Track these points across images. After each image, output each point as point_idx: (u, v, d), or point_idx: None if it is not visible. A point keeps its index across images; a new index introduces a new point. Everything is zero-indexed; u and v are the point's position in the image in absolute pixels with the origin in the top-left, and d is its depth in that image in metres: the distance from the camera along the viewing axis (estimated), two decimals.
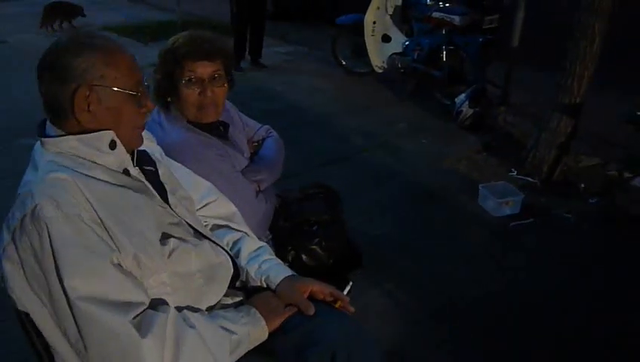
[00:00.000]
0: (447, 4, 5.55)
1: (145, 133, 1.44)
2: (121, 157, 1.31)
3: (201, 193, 1.66)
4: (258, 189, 2.01)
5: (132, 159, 1.36)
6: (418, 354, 2.50)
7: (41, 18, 8.82)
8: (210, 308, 1.43)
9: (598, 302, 2.84)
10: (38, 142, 1.30)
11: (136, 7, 11.55)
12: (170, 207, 1.41)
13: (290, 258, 1.99)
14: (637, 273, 3.08)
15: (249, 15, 6.75)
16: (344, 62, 6.76)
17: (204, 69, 1.83)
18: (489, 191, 3.71)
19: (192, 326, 1.26)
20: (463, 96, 5.05)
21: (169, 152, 1.68)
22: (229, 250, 1.58)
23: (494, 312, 2.76)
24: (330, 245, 2.05)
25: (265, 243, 1.71)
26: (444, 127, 5.13)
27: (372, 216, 3.60)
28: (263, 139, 2.24)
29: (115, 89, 1.27)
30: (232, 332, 1.34)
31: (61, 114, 1.26)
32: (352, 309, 1.55)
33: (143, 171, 1.39)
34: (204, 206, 1.65)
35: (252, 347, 1.39)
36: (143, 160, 1.43)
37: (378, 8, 6.11)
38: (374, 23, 6.13)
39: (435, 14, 5.53)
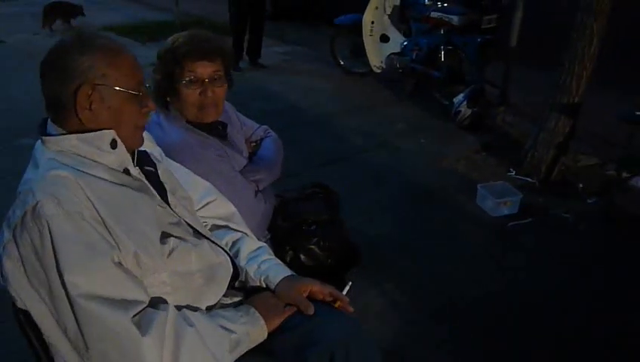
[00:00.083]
0: (446, 4, 5.54)
1: (144, 134, 1.44)
2: (121, 156, 1.32)
3: (201, 193, 1.66)
4: (257, 189, 2.01)
5: (132, 159, 1.36)
6: (418, 354, 2.49)
7: (42, 18, 8.83)
8: (209, 308, 1.44)
9: (597, 302, 2.84)
10: (39, 140, 1.30)
11: (134, 7, 11.54)
12: (169, 206, 1.42)
13: (288, 258, 1.99)
14: (636, 273, 3.09)
15: (248, 15, 6.75)
16: (342, 63, 6.76)
17: (205, 69, 1.83)
18: (487, 191, 3.72)
19: (191, 325, 1.26)
20: (461, 96, 5.05)
21: (168, 152, 1.68)
22: (228, 250, 1.58)
23: (494, 312, 2.77)
24: (329, 245, 2.05)
25: (264, 244, 1.71)
26: (442, 127, 5.14)
27: (371, 216, 3.60)
28: (262, 140, 2.24)
29: (117, 88, 1.28)
30: (232, 332, 1.34)
31: (63, 112, 1.27)
32: (351, 309, 1.55)
33: (143, 171, 1.40)
34: (203, 206, 1.65)
35: (252, 346, 1.39)
36: (143, 160, 1.44)
37: (376, 8, 6.10)
38: (373, 22, 6.13)
39: (434, 14, 5.52)
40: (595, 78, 3.97)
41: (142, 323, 1.17)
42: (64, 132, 1.28)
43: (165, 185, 1.46)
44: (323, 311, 1.49)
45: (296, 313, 1.49)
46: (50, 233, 1.13)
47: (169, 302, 1.29)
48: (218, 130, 1.99)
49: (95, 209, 1.20)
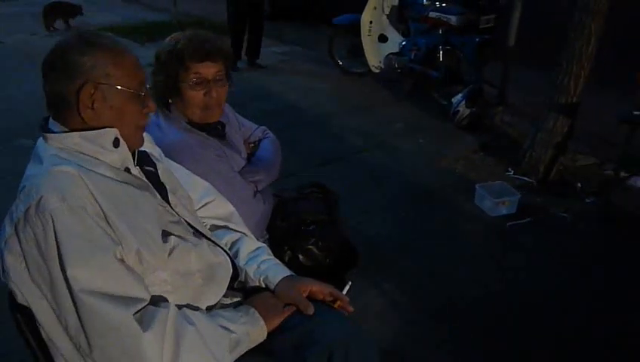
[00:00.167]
0: (444, 4, 5.55)
1: (144, 135, 1.44)
2: (123, 155, 1.33)
3: (200, 193, 1.66)
4: (256, 190, 2.01)
5: (133, 159, 1.37)
6: (417, 354, 2.50)
7: (42, 19, 8.84)
8: (209, 308, 1.44)
9: (596, 302, 2.85)
10: (41, 137, 1.30)
11: (132, 8, 11.54)
12: (170, 206, 1.42)
13: (286, 258, 1.99)
14: (635, 272, 3.09)
15: (247, 15, 6.74)
16: (341, 63, 6.77)
17: (209, 69, 1.83)
18: (486, 190, 3.72)
19: (192, 324, 1.26)
20: (459, 96, 5.06)
21: (168, 153, 1.68)
22: (227, 250, 1.58)
23: (493, 312, 2.77)
24: (327, 245, 2.04)
25: (263, 244, 1.71)
26: (441, 127, 5.14)
27: (369, 216, 3.60)
28: (260, 140, 2.24)
29: (120, 88, 1.28)
30: (231, 332, 1.35)
31: (65, 111, 1.27)
32: (351, 309, 1.55)
33: (143, 171, 1.41)
34: (202, 206, 1.66)
35: (251, 346, 1.39)
36: (143, 160, 1.44)
37: (375, 8, 6.11)
38: (371, 22, 6.13)
39: (432, 14, 5.53)
40: (593, 77, 3.98)
41: (143, 320, 1.18)
42: (66, 130, 1.28)
43: (165, 185, 1.47)
44: (322, 311, 1.49)
45: (296, 313, 1.49)
46: (53, 227, 1.14)
47: (170, 301, 1.29)
48: (217, 131, 1.99)
49: (98, 204, 1.20)
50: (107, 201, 1.22)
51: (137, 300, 1.19)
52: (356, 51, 6.37)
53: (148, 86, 1.37)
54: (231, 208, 1.71)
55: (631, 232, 3.47)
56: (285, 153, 2.25)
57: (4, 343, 1.38)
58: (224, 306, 1.48)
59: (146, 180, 1.38)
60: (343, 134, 5.00)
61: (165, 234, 1.34)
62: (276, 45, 8.15)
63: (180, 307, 1.31)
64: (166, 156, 1.65)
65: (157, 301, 1.25)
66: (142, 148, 1.44)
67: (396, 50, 6.12)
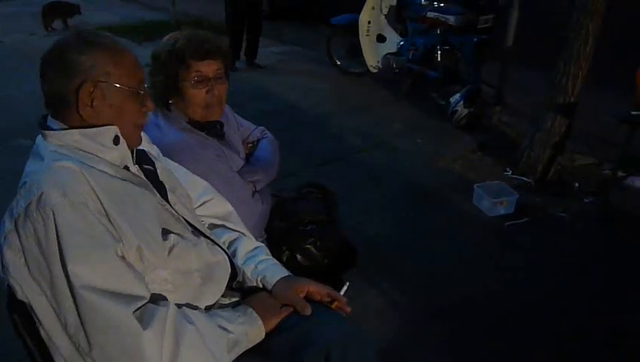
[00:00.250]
0: (442, 4, 5.55)
1: (142, 134, 1.45)
2: (123, 153, 1.33)
3: (198, 192, 1.66)
4: (254, 190, 2.01)
5: (131, 158, 1.37)
6: (416, 354, 2.50)
7: (41, 18, 8.84)
8: (208, 308, 1.44)
9: (595, 302, 2.85)
10: (40, 135, 1.31)
11: (130, 7, 11.53)
12: (169, 204, 1.42)
13: (284, 258, 1.99)
14: (633, 272, 3.09)
15: (245, 15, 6.74)
16: (339, 63, 6.77)
17: (209, 67, 1.84)
18: (484, 190, 3.72)
19: (191, 323, 1.26)
20: (457, 96, 5.06)
21: (167, 153, 1.68)
22: (226, 250, 1.58)
23: (492, 312, 2.77)
24: (325, 245, 2.04)
25: (261, 244, 1.71)
26: (439, 127, 5.14)
27: (368, 216, 3.60)
28: (258, 141, 2.24)
29: (119, 86, 1.29)
30: (230, 332, 1.35)
31: (64, 109, 1.28)
32: (348, 310, 1.55)
33: (142, 170, 1.41)
34: (200, 205, 1.66)
35: (249, 346, 1.39)
36: (142, 159, 1.45)
37: (373, 8, 6.11)
38: (369, 22, 6.13)
39: (430, 14, 5.53)
40: (591, 77, 3.98)
41: (143, 318, 1.18)
42: (65, 127, 1.29)
43: (165, 184, 1.47)
44: (320, 312, 1.50)
45: (293, 313, 1.49)
46: (54, 223, 1.14)
47: (169, 300, 1.29)
48: (216, 130, 2.00)
49: (99, 201, 1.20)
50: (108, 198, 1.22)
51: (137, 298, 1.19)
52: (354, 51, 6.37)
53: (146, 85, 1.37)
54: (229, 207, 1.71)
55: (629, 232, 3.47)
56: (284, 153, 2.26)
57: (3, 343, 1.37)
58: (222, 306, 1.48)
59: (145, 178, 1.39)
60: (341, 134, 5.00)
61: (165, 233, 1.34)
62: (275, 45, 8.15)
63: (179, 306, 1.31)
64: (165, 156, 1.65)
65: (156, 299, 1.25)
66: (140, 147, 1.44)
67: (394, 50, 6.12)
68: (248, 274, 1.60)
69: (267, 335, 1.43)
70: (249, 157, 2.15)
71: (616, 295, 2.91)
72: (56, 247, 1.14)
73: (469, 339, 2.60)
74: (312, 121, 5.31)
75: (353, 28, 6.17)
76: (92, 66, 1.25)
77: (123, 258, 1.20)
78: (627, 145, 3.45)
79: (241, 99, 5.30)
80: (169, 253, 1.32)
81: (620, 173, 3.80)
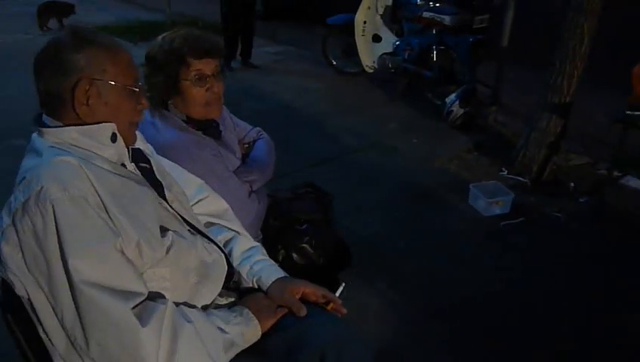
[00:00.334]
0: (438, 4, 5.57)
1: (137, 133, 1.45)
2: (120, 150, 1.33)
3: (193, 190, 1.66)
4: (250, 190, 2.01)
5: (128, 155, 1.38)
6: (414, 354, 2.50)
7: (36, 18, 8.82)
8: (204, 308, 1.44)
9: (594, 302, 2.86)
10: (35, 133, 1.30)
11: (126, 7, 11.52)
12: (167, 202, 1.42)
13: (280, 257, 1.99)
14: (629, 271, 3.10)
15: (241, 15, 6.74)
16: (335, 63, 6.77)
17: (208, 65, 1.85)
18: (480, 190, 3.73)
19: (189, 321, 1.26)
20: (453, 96, 5.06)
21: (163, 152, 1.68)
22: (222, 248, 1.58)
23: (489, 311, 2.77)
24: (321, 244, 2.05)
25: (258, 243, 1.70)
26: (435, 127, 5.15)
27: (364, 216, 3.60)
28: (254, 141, 2.24)
29: (115, 84, 1.29)
30: (226, 332, 1.35)
31: (60, 107, 1.27)
32: (344, 311, 1.55)
33: (138, 168, 1.41)
34: (195, 203, 1.65)
35: (245, 347, 1.39)
36: (138, 157, 1.45)
37: (369, 8, 6.11)
38: (365, 22, 6.14)
39: (426, 14, 5.54)
40: (586, 77, 3.99)
41: (141, 315, 1.18)
42: (61, 124, 1.28)
43: (162, 182, 1.47)
44: (315, 313, 1.49)
45: (289, 314, 1.49)
46: (54, 217, 1.13)
47: (167, 298, 1.29)
48: (213, 130, 2.00)
49: (99, 196, 1.20)
50: (107, 193, 1.21)
51: (136, 294, 1.19)
52: (350, 51, 6.38)
53: (140, 83, 1.37)
54: (225, 205, 1.71)
55: (624, 232, 3.48)
56: (279, 153, 2.25)
57: (2, 343, 1.37)
58: (219, 306, 1.48)
59: (142, 176, 1.39)
60: (336, 134, 5.00)
61: (163, 230, 1.34)
62: (270, 45, 8.15)
63: (176, 304, 1.31)
64: (161, 154, 1.65)
65: (154, 297, 1.25)
66: (135, 146, 1.44)
67: (390, 50, 6.12)
68: (244, 274, 1.60)
69: (263, 335, 1.43)
70: (245, 158, 2.15)
71: (613, 295, 2.92)
72: (56, 242, 1.13)
73: (468, 339, 2.60)
74: (308, 121, 5.31)
75: (349, 28, 6.17)
76: (88, 64, 1.25)
77: (122, 253, 1.20)
78: (622, 145, 3.46)
79: (237, 99, 5.29)
80: (168, 250, 1.32)
81: (615, 173, 3.81)
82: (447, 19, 5.33)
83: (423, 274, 3.05)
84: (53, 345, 1.23)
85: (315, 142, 4.81)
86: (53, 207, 1.13)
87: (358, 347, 1.45)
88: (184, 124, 1.91)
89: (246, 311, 1.44)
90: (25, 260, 1.17)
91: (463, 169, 4.35)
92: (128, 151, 1.38)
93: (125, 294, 1.17)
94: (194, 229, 1.48)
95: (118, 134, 1.31)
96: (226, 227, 1.68)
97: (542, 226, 3.58)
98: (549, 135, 4.07)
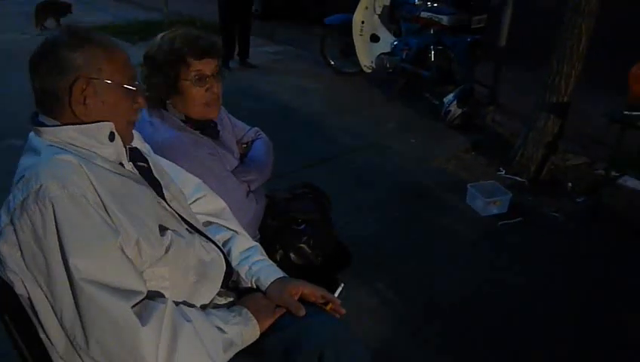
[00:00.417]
0: (435, 4, 5.57)
1: (134, 132, 1.45)
2: (118, 149, 1.33)
3: (190, 189, 1.66)
4: (248, 189, 2.01)
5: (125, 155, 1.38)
6: (409, 354, 2.50)
7: (34, 18, 8.80)
8: (203, 307, 1.44)
9: (592, 301, 2.86)
10: (32, 132, 1.30)
11: (124, 7, 11.49)
12: (165, 201, 1.43)
13: (278, 257, 1.99)
14: (626, 271, 3.11)
15: (239, 15, 6.74)
16: (333, 62, 6.77)
17: (209, 65, 1.85)
18: (477, 190, 3.73)
19: (188, 320, 1.27)
20: (451, 95, 5.07)
21: (161, 151, 1.68)
22: (221, 247, 1.58)
23: (486, 311, 2.78)
24: (319, 244, 2.05)
25: (256, 243, 1.71)
26: (432, 127, 5.15)
27: (362, 216, 3.60)
28: (252, 141, 2.24)
29: (112, 83, 1.29)
30: (224, 332, 1.35)
31: (56, 106, 1.27)
32: (343, 311, 1.55)
33: (136, 167, 1.41)
34: (193, 202, 1.66)
35: (244, 346, 1.39)
36: (135, 156, 1.45)
37: (366, 8, 6.11)
38: (363, 22, 6.14)
39: (424, 14, 5.55)
40: (584, 77, 4.00)
41: (141, 314, 1.18)
42: (58, 123, 1.28)
43: (160, 181, 1.47)
44: (313, 312, 1.50)
45: (287, 313, 1.49)
46: (54, 215, 1.13)
47: (166, 297, 1.29)
48: (211, 130, 2.00)
49: (98, 194, 1.20)
50: (107, 191, 1.22)
51: (136, 293, 1.19)
52: (348, 51, 6.38)
53: (136, 82, 1.37)
54: (222, 204, 1.71)
55: (622, 231, 3.49)
56: (277, 153, 2.25)
57: (1, 344, 1.37)
58: (217, 306, 1.48)
59: (140, 176, 1.39)
60: (334, 134, 5.00)
61: (162, 229, 1.34)
62: (268, 45, 8.14)
63: (176, 304, 1.31)
64: (159, 154, 1.65)
65: (153, 296, 1.25)
66: (132, 145, 1.44)
67: (388, 50, 6.13)
68: (243, 274, 1.60)
69: (261, 335, 1.43)
70: (243, 158, 2.15)
71: (611, 294, 2.92)
72: (55, 240, 1.13)
73: (461, 339, 2.60)
74: (306, 121, 5.31)
75: (347, 28, 6.17)
76: (85, 63, 1.25)
77: (122, 252, 1.20)
78: (619, 145, 3.46)
79: (235, 99, 5.27)
80: (167, 250, 1.32)
81: (612, 173, 3.82)
82: (444, 20, 5.34)
83: (421, 273, 3.05)
84: (52, 344, 1.23)
85: (313, 142, 4.81)
86: (52, 205, 1.13)
87: (356, 347, 1.45)
88: (182, 124, 1.91)
89: (245, 310, 1.44)
90: (24, 259, 1.17)
91: (460, 169, 4.35)
92: (126, 151, 1.38)
93: (125, 293, 1.17)
94: (192, 228, 1.48)
95: (116, 133, 1.31)
96: (224, 226, 1.68)
97: (539, 226, 3.58)
98: (547, 135, 4.08)
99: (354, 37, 6.14)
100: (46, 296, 1.18)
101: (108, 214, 1.20)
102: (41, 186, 1.15)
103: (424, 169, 4.35)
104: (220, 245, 1.61)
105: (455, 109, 4.98)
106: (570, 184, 4.03)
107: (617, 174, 3.89)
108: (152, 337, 1.17)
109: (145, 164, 1.46)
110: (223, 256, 1.53)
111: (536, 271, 3.11)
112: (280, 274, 1.60)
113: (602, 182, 3.77)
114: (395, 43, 6.06)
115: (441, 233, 3.48)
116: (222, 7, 6.76)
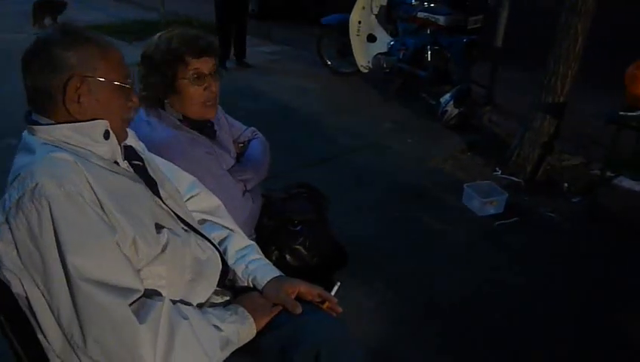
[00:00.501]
0: (432, 5, 5.58)
1: (128, 131, 1.45)
2: (113, 147, 1.33)
3: (185, 187, 1.66)
4: (245, 189, 2.01)
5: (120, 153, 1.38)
6: (406, 354, 2.50)
7: (31, 16, 8.77)
8: (200, 306, 1.44)
9: (589, 301, 2.87)
10: (26, 131, 1.30)
11: (120, 6, 11.46)
12: (161, 199, 1.42)
13: (273, 258, 1.99)
14: (622, 271, 3.12)
15: (235, 15, 6.74)
16: (329, 62, 6.76)
17: (206, 64, 1.85)
18: (474, 190, 3.74)
19: (185, 318, 1.27)
20: (447, 96, 5.07)
21: (157, 149, 1.68)
22: (217, 245, 1.58)
23: (482, 311, 2.78)
24: (315, 245, 2.05)
25: (252, 242, 1.70)
26: (429, 127, 5.15)
27: (358, 216, 3.60)
28: (249, 141, 2.24)
29: (106, 81, 1.29)
30: (221, 330, 1.35)
31: (50, 104, 1.27)
32: (339, 310, 1.55)
33: (131, 165, 1.41)
34: (187, 199, 1.65)
35: (241, 345, 1.40)
36: (130, 155, 1.45)
37: (363, 8, 6.11)
38: (359, 22, 6.13)
39: (420, 14, 5.55)
40: (580, 78, 4.01)
41: (139, 312, 1.18)
42: (52, 122, 1.28)
43: (155, 179, 1.47)
44: (310, 311, 1.50)
45: (283, 312, 1.49)
46: (50, 213, 1.13)
47: (164, 295, 1.29)
48: (208, 129, 2.00)
49: (94, 192, 1.20)
50: (103, 189, 1.21)
51: (133, 291, 1.19)
52: (345, 51, 6.38)
53: (130, 79, 1.36)
54: (217, 201, 1.71)
55: (617, 231, 3.50)
56: (274, 153, 2.25)
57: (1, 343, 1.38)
58: (214, 305, 1.49)
59: (135, 174, 1.39)
60: (331, 134, 5.00)
61: (158, 227, 1.34)
62: (265, 45, 8.13)
63: (173, 301, 1.31)
64: (156, 153, 1.65)
65: (150, 294, 1.25)
66: (127, 144, 1.44)
67: (385, 50, 6.13)
68: (239, 274, 1.60)
69: (257, 333, 1.43)
70: (240, 158, 2.15)
71: (608, 294, 2.93)
72: (52, 239, 1.13)
73: (458, 339, 2.60)
74: (302, 121, 5.30)
75: (344, 28, 6.17)
76: (78, 61, 1.25)
77: (119, 250, 1.20)
78: (615, 146, 3.47)
79: (231, 98, 5.27)
80: (164, 248, 1.32)
81: (608, 174, 3.83)
82: (441, 20, 5.34)
83: (419, 273, 3.05)
84: (49, 343, 1.23)
85: (310, 143, 4.81)
86: (49, 203, 1.13)
87: (352, 345, 1.45)
88: (179, 123, 1.91)
89: (241, 309, 1.44)
90: (20, 257, 1.17)
91: (457, 169, 4.36)
92: (121, 149, 1.38)
93: (123, 291, 1.17)
94: (188, 226, 1.48)
95: (110, 131, 1.31)
96: (219, 224, 1.67)
97: (536, 226, 3.59)
98: (543, 135, 4.09)
99: (351, 37, 6.14)
100: (43, 295, 1.18)
101: (104, 212, 1.20)
102: (37, 184, 1.14)
103: (421, 169, 4.35)
104: (216, 243, 1.62)
105: (452, 109, 4.99)
106: (566, 184, 4.04)
107: (613, 174, 3.90)
108: (149, 335, 1.17)
109: (140, 163, 1.46)
110: (218, 255, 1.53)
111: (533, 270, 3.12)
112: (276, 273, 1.60)
113: (598, 182, 3.78)
114: (392, 43, 6.06)
115: (438, 233, 3.49)
116: (218, 7, 6.76)
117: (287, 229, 2.07)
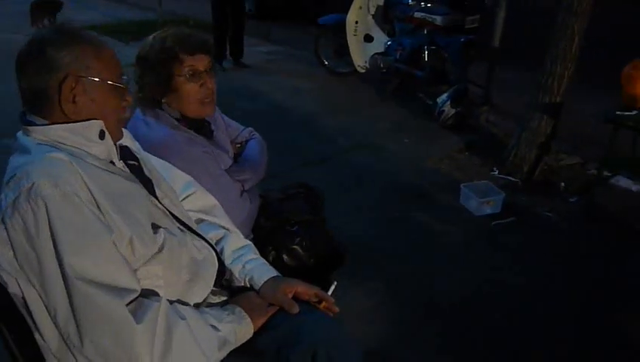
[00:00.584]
0: (429, 5, 5.58)
1: (123, 130, 1.45)
2: (109, 147, 1.33)
3: (181, 186, 1.66)
4: (242, 189, 2.01)
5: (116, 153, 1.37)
6: (403, 354, 2.50)
7: (29, 17, 8.75)
8: (197, 306, 1.43)
9: (583, 300, 2.87)
10: (21, 131, 1.29)
11: (117, 6, 11.45)
12: (157, 199, 1.42)
13: (270, 258, 1.98)
14: (619, 271, 3.12)
15: (231, 15, 6.73)
16: (326, 62, 6.76)
17: (202, 61, 1.85)
18: (471, 190, 3.74)
19: (183, 319, 1.26)
20: (445, 96, 5.07)
21: (155, 149, 1.68)
22: (213, 245, 1.58)
23: (480, 311, 2.78)
24: (312, 245, 2.04)
25: (249, 242, 1.70)
26: (426, 127, 5.15)
27: (355, 216, 3.60)
28: (247, 141, 2.24)
29: (101, 80, 1.28)
30: (218, 330, 1.35)
31: (45, 105, 1.26)
32: (336, 310, 1.55)
33: (127, 165, 1.41)
34: (183, 199, 1.65)
35: (238, 345, 1.39)
36: (126, 154, 1.44)
37: (360, 8, 6.11)
38: (356, 22, 6.13)
39: (417, 14, 5.56)
40: (577, 78, 4.02)
41: (136, 312, 1.18)
42: (47, 122, 1.27)
43: (151, 178, 1.47)
44: (307, 311, 1.50)
45: (280, 312, 1.49)
46: (47, 213, 1.13)
47: (161, 295, 1.29)
48: (205, 129, 2.00)
49: (90, 192, 1.20)
50: (99, 189, 1.21)
51: (130, 291, 1.19)
52: (342, 51, 6.38)
53: (125, 78, 1.36)
54: (213, 201, 1.71)
55: (614, 231, 3.50)
56: (271, 153, 2.25)
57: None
58: (211, 305, 1.48)
59: (131, 174, 1.38)
60: (328, 134, 5.00)
61: (154, 227, 1.34)
62: (263, 45, 8.13)
63: (170, 301, 1.31)
64: (153, 152, 1.65)
65: (147, 294, 1.25)
66: (123, 143, 1.44)
67: (382, 50, 6.13)
68: (236, 273, 1.59)
69: (254, 333, 1.43)
70: (237, 158, 2.15)
71: (606, 293, 2.93)
72: (48, 239, 1.13)
73: (456, 339, 2.60)
74: (300, 121, 5.30)
75: (341, 28, 6.17)
76: (73, 61, 1.25)
77: (116, 250, 1.20)
78: (612, 145, 3.48)
79: (229, 99, 5.28)
80: (161, 248, 1.31)
81: (605, 173, 3.83)
82: (438, 20, 5.35)
83: (418, 273, 3.05)
84: (45, 342, 1.22)
85: (307, 143, 4.81)
86: (45, 203, 1.13)
87: (349, 345, 1.46)
88: (176, 123, 1.91)
89: (238, 309, 1.44)
90: (16, 258, 1.16)
91: (454, 169, 4.36)
92: (116, 149, 1.38)
93: (120, 290, 1.17)
94: (184, 226, 1.48)
95: (106, 131, 1.31)
96: (215, 223, 1.67)
97: (533, 226, 3.60)
98: (540, 135, 4.09)
99: (348, 37, 6.14)
100: (39, 295, 1.17)
101: (101, 212, 1.20)
102: (33, 185, 1.14)
103: (418, 169, 4.35)
104: (213, 243, 1.61)
105: (449, 109, 4.99)
106: (563, 184, 4.04)
107: (610, 174, 3.91)
108: (146, 335, 1.17)
109: (135, 162, 1.46)
110: (215, 255, 1.53)
111: (530, 270, 3.12)
112: (273, 273, 1.60)
113: (595, 182, 3.79)
114: (389, 43, 6.06)
115: (435, 233, 3.49)
116: (214, 7, 6.75)
117: (284, 229, 2.07)
